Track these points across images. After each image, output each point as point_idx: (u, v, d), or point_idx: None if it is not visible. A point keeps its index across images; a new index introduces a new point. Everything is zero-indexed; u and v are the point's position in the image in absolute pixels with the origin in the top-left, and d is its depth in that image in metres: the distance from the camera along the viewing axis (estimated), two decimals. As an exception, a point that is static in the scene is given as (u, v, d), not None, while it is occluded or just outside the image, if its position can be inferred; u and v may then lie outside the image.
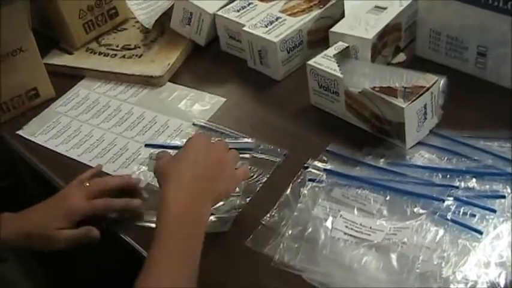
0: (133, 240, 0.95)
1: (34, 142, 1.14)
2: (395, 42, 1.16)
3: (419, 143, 1.01)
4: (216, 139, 0.97)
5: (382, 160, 0.99)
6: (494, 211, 0.88)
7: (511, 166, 0.94)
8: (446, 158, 0.98)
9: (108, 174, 1.05)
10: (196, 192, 0.84)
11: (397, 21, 1.14)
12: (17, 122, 1.18)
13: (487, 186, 0.92)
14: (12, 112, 1.18)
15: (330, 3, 1.18)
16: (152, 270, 0.77)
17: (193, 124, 1.11)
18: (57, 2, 1.23)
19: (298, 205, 0.94)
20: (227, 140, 1.02)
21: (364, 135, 1.04)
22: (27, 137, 1.15)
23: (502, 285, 0.80)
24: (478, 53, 1.08)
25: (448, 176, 0.94)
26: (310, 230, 0.90)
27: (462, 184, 0.93)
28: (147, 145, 1.09)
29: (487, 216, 0.88)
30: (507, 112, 1.03)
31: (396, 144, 1.01)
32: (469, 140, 0.99)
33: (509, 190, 0.91)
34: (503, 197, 0.90)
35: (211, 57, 1.26)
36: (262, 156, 1.03)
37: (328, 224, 0.91)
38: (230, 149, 0.92)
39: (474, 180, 0.93)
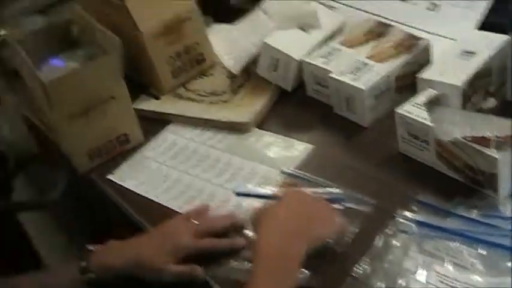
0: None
1: (123, 187, 1.17)
2: (484, 87, 1.13)
3: (512, 195, 0.99)
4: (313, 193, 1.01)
5: (474, 211, 0.97)
6: None
7: None
8: (542, 211, 0.95)
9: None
10: (289, 233, 0.90)
11: (487, 66, 1.11)
12: (107, 166, 1.22)
13: None
14: (103, 157, 1.22)
15: (416, 48, 1.17)
16: None
17: (282, 172, 1.11)
18: (147, 49, 1.26)
19: (389, 257, 0.93)
20: (316, 190, 1.03)
21: (455, 184, 1.02)
22: (117, 181, 1.18)
23: None
24: None
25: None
26: (401, 283, 0.89)
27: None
28: (238, 194, 1.10)
29: None
30: None
31: (489, 195, 0.99)
32: None
33: None
34: None
35: (298, 103, 1.26)
36: (351, 205, 1.02)
37: (421, 277, 0.89)
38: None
39: None
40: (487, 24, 1.26)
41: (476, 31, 1.24)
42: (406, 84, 1.16)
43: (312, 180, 1.08)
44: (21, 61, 1.17)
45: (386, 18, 1.33)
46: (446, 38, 1.26)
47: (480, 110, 1.14)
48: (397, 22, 1.32)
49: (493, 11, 1.29)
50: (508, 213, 0.96)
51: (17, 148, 1.38)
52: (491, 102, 1.16)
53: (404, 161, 1.09)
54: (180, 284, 0.98)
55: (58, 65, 1.18)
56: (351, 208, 1.02)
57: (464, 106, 1.10)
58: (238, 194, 1.09)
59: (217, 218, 1.05)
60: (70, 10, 1.30)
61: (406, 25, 1.31)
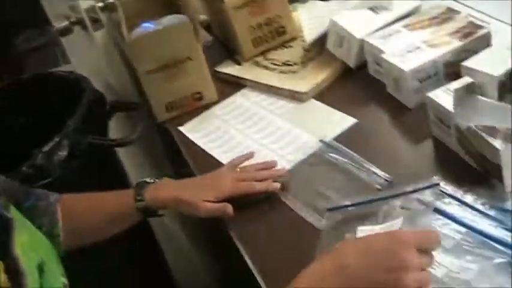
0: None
1: (188, 138, 1.32)
2: (536, 81, 1.12)
3: (522, 188, 0.98)
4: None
5: (479, 200, 0.98)
6: None
7: None
8: (542, 208, 0.94)
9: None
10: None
11: (538, 60, 1.10)
12: (181, 119, 1.37)
13: None
14: (179, 110, 1.37)
15: (473, 36, 1.18)
16: None
17: (320, 141, 1.19)
18: (230, 19, 1.39)
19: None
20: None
21: (472, 172, 1.04)
22: (184, 132, 1.33)
23: None
24: None
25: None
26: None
27: (546, 236, 0.90)
28: (329, 209, 1.06)
29: None
30: None
31: (497, 185, 0.99)
32: None
33: None
34: None
35: (360, 80, 1.32)
36: (366, 177, 1.08)
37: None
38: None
39: None
40: None
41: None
42: (459, 71, 1.17)
43: (347, 154, 1.14)
44: (121, 22, 1.36)
45: (471, 8, 1.33)
46: (518, 29, 1.25)
47: (525, 104, 1.13)
48: (478, 11, 1.33)
49: None
50: (508, 206, 0.97)
51: (117, 94, 1.58)
52: (541, 98, 1.14)
53: (433, 143, 1.12)
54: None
55: (148, 28, 1.34)
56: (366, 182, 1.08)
57: (502, 97, 1.10)
58: (330, 210, 1.06)
59: (259, 172, 1.15)
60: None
61: (483, 13, 1.30)
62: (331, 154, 1.16)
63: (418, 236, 0.80)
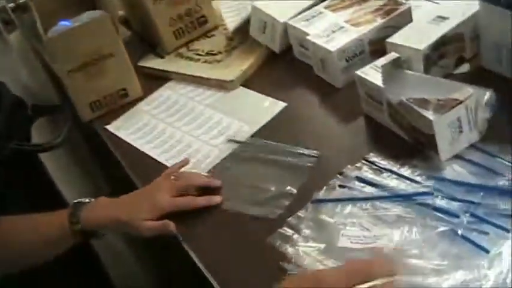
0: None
1: (116, 136, 1.28)
2: (458, 52, 1.14)
3: (456, 157, 0.99)
4: None
5: (414, 171, 1.00)
6: (508, 231, 0.86)
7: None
8: (477, 174, 0.96)
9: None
10: None
11: (458, 31, 1.12)
12: (107, 117, 1.34)
13: (510, 205, 0.90)
14: (104, 109, 1.34)
15: (395, 13, 1.20)
16: None
17: (229, 140, 1.18)
18: (150, 12, 1.37)
19: (324, 209, 0.99)
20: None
21: (406, 145, 1.05)
22: (113, 131, 1.30)
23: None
24: (539, 66, 1.05)
25: (472, 192, 0.93)
26: (326, 234, 0.94)
27: (484, 201, 0.91)
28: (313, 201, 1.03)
29: (500, 236, 0.86)
30: None
31: (432, 156, 1.01)
32: (509, 157, 0.96)
33: (531, 210, 0.89)
34: (523, 216, 0.88)
35: (285, 64, 1.32)
36: (295, 160, 1.08)
37: (344, 231, 0.95)
38: None
39: (498, 198, 0.91)
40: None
41: (463, -3, 1.24)
42: (383, 48, 1.19)
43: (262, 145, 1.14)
44: (35, 22, 1.32)
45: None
46: (435, 2, 1.27)
47: (450, 75, 1.16)
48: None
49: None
50: (444, 175, 0.99)
51: (37, 98, 1.53)
52: (464, 68, 1.17)
53: (365, 121, 1.14)
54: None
55: (65, 26, 1.29)
56: (297, 164, 1.08)
57: (428, 70, 1.12)
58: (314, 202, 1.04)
59: (196, 176, 1.13)
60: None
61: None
62: (250, 151, 1.14)
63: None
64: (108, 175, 1.50)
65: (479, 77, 1.12)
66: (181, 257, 1.05)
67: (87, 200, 1.10)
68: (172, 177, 1.11)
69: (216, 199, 1.08)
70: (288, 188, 1.04)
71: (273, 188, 1.05)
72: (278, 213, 1.00)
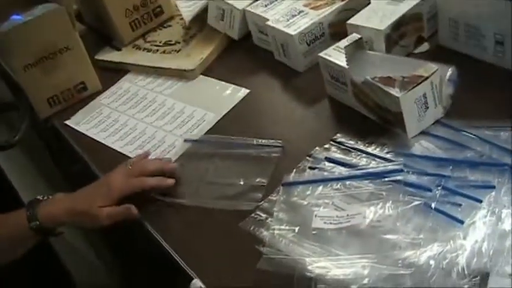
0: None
1: (78, 131, 1.26)
2: (417, 32, 1.16)
3: (423, 133, 1.01)
4: None
5: (383, 149, 1.01)
6: (480, 201, 0.88)
7: (510, 157, 0.92)
8: (445, 148, 0.97)
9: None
10: None
11: (416, 11, 1.13)
12: (66, 112, 1.31)
13: (479, 177, 0.92)
14: (63, 104, 1.30)
15: (353, -5, 1.21)
16: None
17: (185, 140, 1.16)
18: (105, 4, 1.34)
19: (295, 191, 0.99)
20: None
21: (372, 124, 1.06)
22: (73, 126, 1.27)
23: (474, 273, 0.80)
24: (496, 41, 1.06)
25: (441, 166, 0.95)
26: (300, 216, 0.94)
27: (454, 174, 0.93)
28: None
29: (473, 206, 0.88)
30: (522, 101, 1.01)
31: (400, 134, 1.02)
32: (473, 130, 0.98)
33: (500, 180, 0.90)
34: (493, 187, 0.89)
35: (245, 51, 1.32)
36: (262, 151, 1.07)
37: (318, 212, 0.94)
38: None
39: (467, 170, 0.93)
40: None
41: (418, -23, 1.26)
42: (343, 31, 1.19)
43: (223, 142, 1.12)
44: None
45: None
46: (392, -15, 1.29)
47: (411, 54, 1.18)
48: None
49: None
50: (413, 151, 1.00)
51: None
52: (424, 47, 1.18)
53: (330, 103, 1.14)
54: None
55: (18, 20, 1.25)
56: (262, 156, 1.07)
57: (389, 50, 1.13)
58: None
59: (150, 161, 1.11)
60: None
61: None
62: (208, 148, 1.12)
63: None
64: (67, 173, 1.47)
65: (438, 54, 1.14)
66: (147, 245, 1.04)
67: (44, 197, 1.08)
68: (129, 166, 1.08)
69: (168, 181, 1.06)
70: (258, 179, 1.02)
71: (241, 182, 1.03)
72: (254, 205, 0.98)
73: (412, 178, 0.94)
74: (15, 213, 1.07)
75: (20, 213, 1.06)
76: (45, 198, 1.08)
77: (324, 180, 0.98)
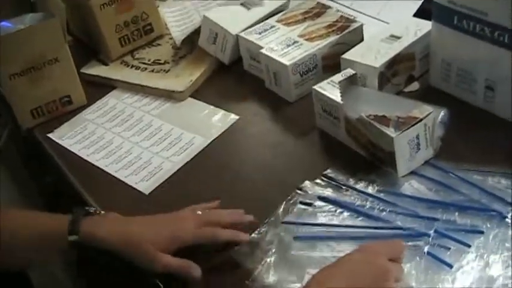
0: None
1: (61, 145, 1.23)
2: (408, 71, 1.18)
3: (413, 173, 1.02)
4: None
5: (374, 187, 1.02)
6: (469, 246, 0.89)
7: (498, 203, 0.94)
8: (434, 190, 0.99)
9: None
10: None
11: (410, 50, 1.15)
12: (49, 125, 1.28)
13: (468, 221, 0.93)
14: (46, 116, 1.28)
15: (348, 30, 1.22)
16: None
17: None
18: (96, 17, 1.32)
19: (285, 226, 0.99)
20: None
21: (362, 160, 1.07)
22: (55, 139, 1.24)
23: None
24: (486, 86, 1.09)
25: (432, 208, 0.96)
26: (291, 252, 0.94)
27: (444, 217, 0.94)
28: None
29: (461, 251, 0.89)
30: (510, 148, 1.03)
31: (389, 172, 1.03)
32: (462, 173, 1.00)
33: (489, 226, 0.92)
34: (482, 232, 0.91)
35: (235, 76, 1.32)
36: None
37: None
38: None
39: (456, 213, 0.94)
40: (425, 12, 1.30)
41: (411, 17, 1.27)
42: (335, 64, 1.20)
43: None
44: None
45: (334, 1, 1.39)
46: (384, 22, 1.31)
47: (401, 93, 1.19)
48: (341, 4, 1.38)
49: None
50: (402, 190, 1.01)
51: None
52: (414, 86, 1.20)
53: (320, 136, 1.14)
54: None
55: (7, 27, 1.23)
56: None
57: (382, 87, 1.15)
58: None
59: (225, 212, 1.00)
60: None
61: (349, 8, 1.36)
62: None
63: (386, 245, 0.88)
64: (42, 186, 1.44)
65: (428, 95, 1.16)
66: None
67: (93, 210, 0.98)
68: (198, 211, 0.98)
69: (243, 236, 0.96)
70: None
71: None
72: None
73: (405, 220, 0.95)
74: (60, 216, 0.95)
75: (62, 219, 0.94)
76: (97, 212, 0.98)
77: (330, 238, 0.96)
